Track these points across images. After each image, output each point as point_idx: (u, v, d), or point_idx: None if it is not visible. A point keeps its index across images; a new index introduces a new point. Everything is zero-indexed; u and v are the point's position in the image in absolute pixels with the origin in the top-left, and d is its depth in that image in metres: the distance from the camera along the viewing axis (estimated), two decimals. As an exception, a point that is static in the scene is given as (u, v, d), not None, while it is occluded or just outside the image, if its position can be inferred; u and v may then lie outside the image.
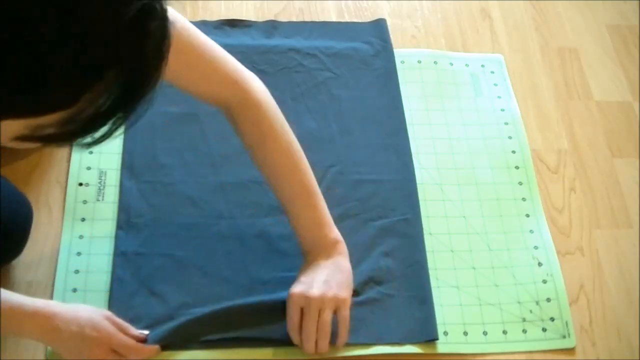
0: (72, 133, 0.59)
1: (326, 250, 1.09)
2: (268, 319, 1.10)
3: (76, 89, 0.56)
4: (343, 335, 1.07)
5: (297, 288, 1.06)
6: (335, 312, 1.05)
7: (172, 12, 0.61)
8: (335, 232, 1.11)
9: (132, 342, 1.02)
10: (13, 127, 0.58)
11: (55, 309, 0.98)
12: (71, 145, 0.62)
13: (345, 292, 1.07)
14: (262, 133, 1.08)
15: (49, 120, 0.57)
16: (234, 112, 1.08)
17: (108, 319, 1.01)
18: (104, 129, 0.61)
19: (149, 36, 0.57)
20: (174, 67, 0.64)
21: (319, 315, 1.04)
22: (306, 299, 1.04)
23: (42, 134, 0.59)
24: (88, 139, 0.61)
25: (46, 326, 0.96)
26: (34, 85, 0.54)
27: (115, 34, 0.55)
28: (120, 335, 1.01)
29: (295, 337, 1.06)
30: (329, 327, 1.05)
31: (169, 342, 1.07)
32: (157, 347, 1.05)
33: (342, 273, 1.08)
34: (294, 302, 1.05)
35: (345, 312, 1.06)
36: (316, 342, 1.05)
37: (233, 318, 1.10)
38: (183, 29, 0.98)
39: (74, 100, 0.56)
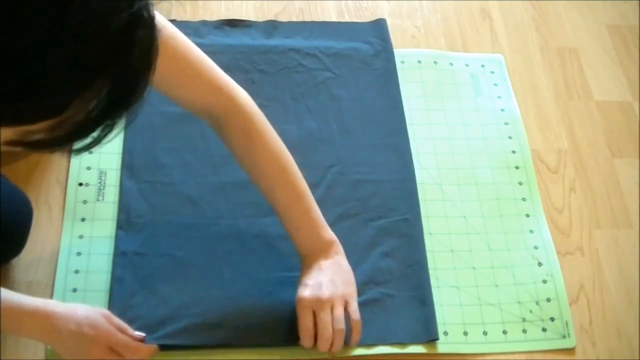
0: (61, 139, 0.59)
1: (323, 251, 1.09)
2: (267, 320, 1.10)
3: (69, 93, 0.56)
4: (357, 329, 1.07)
5: (305, 292, 1.05)
6: (345, 309, 1.06)
7: (161, 19, 0.61)
8: (330, 233, 1.11)
9: (130, 340, 1.02)
10: (1, 132, 0.58)
11: (54, 308, 0.98)
12: (62, 151, 0.63)
13: (350, 288, 1.08)
14: (250, 138, 1.08)
15: (38, 127, 0.57)
16: (220, 119, 1.08)
17: (106, 317, 1.01)
18: (92, 135, 0.61)
19: (137, 44, 0.57)
20: (161, 73, 0.65)
21: (332, 313, 1.04)
22: (318, 300, 1.04)
23: (31, 140, 0.59)
24: (78, 145, 0.62)
25: (45, 325, 0.96)
26: (33, 88, 0.54)
27: (105, 41, 0.55)
28: (119, 334, 1.01)
29: (308, 341, 1.05)
30: (344, 323, 1.05)
31: (168, 342, 1.06)
32: (155, 346, 1.05)
33: (345, 272, 1.09)
34: (305, 306, 1.05)
35: (355, 305, 1.07)
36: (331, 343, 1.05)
37: (232, 319, 1.10)
38: (171, 36, 0.98)
39: (65, 106, 0.56)
